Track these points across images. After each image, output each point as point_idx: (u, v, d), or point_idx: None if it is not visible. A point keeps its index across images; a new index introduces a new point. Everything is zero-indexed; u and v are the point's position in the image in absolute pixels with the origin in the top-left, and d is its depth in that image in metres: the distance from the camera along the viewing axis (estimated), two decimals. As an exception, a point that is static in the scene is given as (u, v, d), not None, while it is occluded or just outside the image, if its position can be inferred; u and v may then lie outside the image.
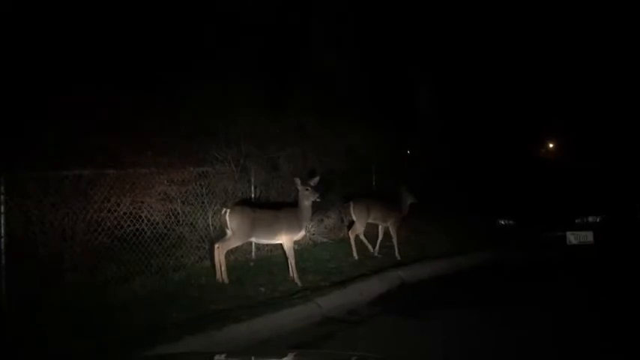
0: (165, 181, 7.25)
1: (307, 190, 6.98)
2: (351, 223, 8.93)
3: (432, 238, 10.03)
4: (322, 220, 9.41)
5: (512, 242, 10.39)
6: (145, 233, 6.84)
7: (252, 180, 8.27)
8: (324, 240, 9.31)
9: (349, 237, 8.73)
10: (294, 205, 7.23)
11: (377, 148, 11.03)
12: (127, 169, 6.75)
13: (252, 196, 8.24)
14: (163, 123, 7.61)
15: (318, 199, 7.10)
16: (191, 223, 7.52)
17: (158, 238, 6.97)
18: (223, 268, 6.72)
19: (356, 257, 8.56)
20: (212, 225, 7.66)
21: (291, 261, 7.09)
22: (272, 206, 7.53)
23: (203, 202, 7.65)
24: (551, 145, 20.80)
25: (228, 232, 6.82)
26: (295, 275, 7.04)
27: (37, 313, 5.29)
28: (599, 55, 17.44)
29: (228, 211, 6.83)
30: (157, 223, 7.04)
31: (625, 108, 17.16)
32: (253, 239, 7.26)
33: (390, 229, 8.98)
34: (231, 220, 6.77)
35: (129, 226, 6.71)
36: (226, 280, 6.71)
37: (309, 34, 11.89)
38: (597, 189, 10.85)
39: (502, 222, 11.29)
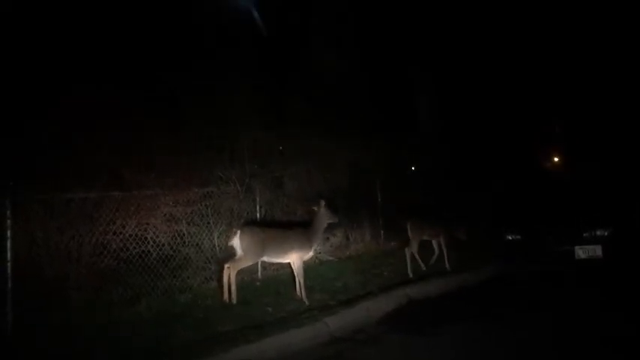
0: (171, 202, 7.25)
1: (329, 211, 7.12)
2: (407, 240, 9.18)
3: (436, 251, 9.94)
4: (328, 238, 9.39)
5: (519, 256, 10.30)
6: (151, 255, 6.83)
7: (258, 199, 8.26)
8: (330, 258, 9.27)
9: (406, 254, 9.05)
10: (303, 224, 7.23)
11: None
12: (131, 190, 6.76)
13: (258, 215, 8.22)
14: (165, 139, 7.62)
15: (336, 221, 7.19)
16: (197, 244, 7.50)
17: (164, 260, 6.96)
18: (233, 288, 6.67)
19: (411, 275, 8.70)
20: (218, 245, 7.64)
21: (300, 280, 7.04)
22: (279, 225, 7.51)
23: (208, 223, 7.64)
24: (556, 159, 20.63)
25: (239, 252, 6.78)
26: (303, 294, 6.99)
27: (42, 336, 5.29)
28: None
29: (239, 232, 6.82)
30: (163, 245, 7.03)
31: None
32: (265, 258, 7.24)
33: (434, 244, 9.48)
34: (242, 241, 6.75)
35: (135, 248, 6.71)
36: (235, 301, 6.67)
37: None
38: (604, 201, 10.76)
39: (509, 237, 11.22)
